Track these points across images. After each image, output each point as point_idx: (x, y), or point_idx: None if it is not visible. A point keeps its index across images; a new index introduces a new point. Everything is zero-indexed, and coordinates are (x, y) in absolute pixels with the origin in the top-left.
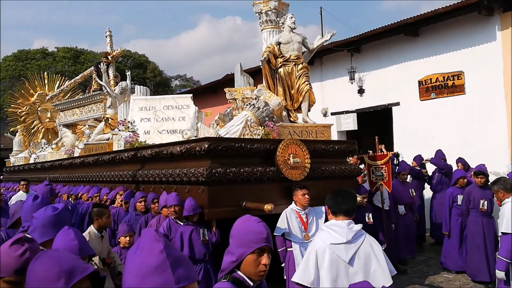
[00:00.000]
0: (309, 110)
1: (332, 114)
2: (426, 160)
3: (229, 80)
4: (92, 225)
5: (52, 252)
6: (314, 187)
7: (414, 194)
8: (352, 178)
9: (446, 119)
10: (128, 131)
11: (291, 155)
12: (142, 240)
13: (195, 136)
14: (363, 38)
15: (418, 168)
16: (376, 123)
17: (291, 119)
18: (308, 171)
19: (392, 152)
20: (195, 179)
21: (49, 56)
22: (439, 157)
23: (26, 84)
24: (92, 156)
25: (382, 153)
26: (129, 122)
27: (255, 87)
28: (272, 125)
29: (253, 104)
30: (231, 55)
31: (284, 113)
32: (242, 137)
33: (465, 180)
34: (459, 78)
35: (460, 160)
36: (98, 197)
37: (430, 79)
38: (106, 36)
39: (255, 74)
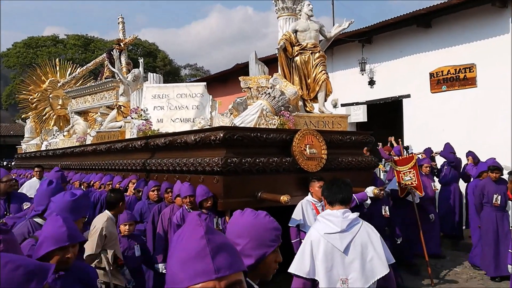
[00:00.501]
0: (325, 100)
1: (342, 105)
2: (436, 153)
3: (239, 70)
4: (107, 210)
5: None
6: (330, 178)
7: (437, 187)
8: (369, 169)
9: (457, 112)
10: (141, 119)
11: (307, 146)
12: (185, 225)
13: (209, 125)
14: (375, 29)
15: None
16: (386, 115)
17: (307, 109)
18: (324, 162)
19: (416, 153)
20: (210, 169)
21: (59, 43)
22: (448, 151)
23: (37, 70)
24: (105, 144)
25: (407, 155)
26: (142, 110)
27: (270, 76)
28: (288, 115)
29: (269, 93)
30: (242, 45)
31: (300, 103)
32: (257, 126)
33: (488, 174)
34: (471, 70)
35: (470, 154)
36: (110, 185)
37: (442, 71)
38: (118, 23)
39: (267, 64)
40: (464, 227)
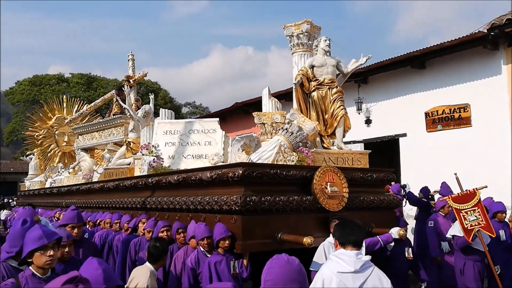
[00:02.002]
0: (343, 136)
1: None
2: (435, 191)
3: (237, 109)
4: (148, 263)
5: None
6: (352, 218)
7: None
8: (391, 209)
9: (453, 151)
10: (152, 155)
11: (328, 184)
12: None
13: (222, 162)
14: (371, 69)
15: (425, 200)
16: (383, 153)
17: (324, 145)
18: (346, 201)
19: (479, 188)
20: (227, 208)
21: (63, 82)
22: (446, 189)
23: (44, 107)
24: (113, 181)
25: (467, 191)
26: (153, 146)
27: (285, 112)
28: (306, 151)
29: (286, 129)
30: (242, 83)
31: (317, 139)
32: (275, 163)
33: (504, 215)
34: (465, 110)
35: None
36: (118, 224)
37: (437, 111)
38: (128, 60)
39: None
40: None
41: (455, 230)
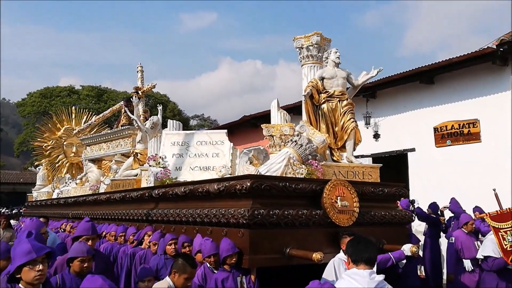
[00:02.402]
0: (354, 149)
1: None
2: (444, 207)
3: (245, 122)
4: (170, 277)
5: None
6: (363, 234)
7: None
8: (403, 225)
9: (462, 166)
10: (159, 166)
11: (338, 198)
12: None
13: (229, 174)
14: (379, 84)
15: (434, 216)
16: (391, 168)
17: (334, 158)
18: (356, 216)
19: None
20: (235, 221)
21: (74, 93)
22: (456, 205)
23: (53, 118)
24: (119, 193)
25: (507, 209)
26: (160, 157)
27: (294, 124)
28: (316, 164)
29: (295, 141)
30: (250, 96)
31: (327, 152)
32: (284, 175)
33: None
34: (475, 126)
35: (477, 209)
36: (123, 237)
37: (446, 126)
38: (137, 71)
39: (301, 110)
40: None
41: (488, 250)
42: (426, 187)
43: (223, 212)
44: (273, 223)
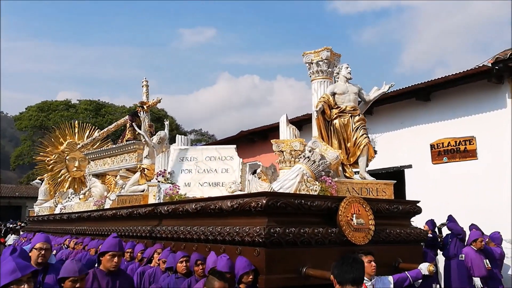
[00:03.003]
0: (367, 165)
1: None
2: (442, 224)
3: (243, 137)
4: None
5: None
6: (379, 252)
7: (489, 265)
8: (418, 243)
9: (459, 183)
10: (168, 182)
11: (354, 215)
12: None
13: (240, 190)
14: (376, 101)
15: (431, 234)
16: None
17: (346, 175)
18: (372, 233)
19: None
20: (250, 239)
21: (71, 108)
22: (453, 222)
23: (56, 132)
24: (126, 209)
25: None
26: (169, 173)
27: (304, 139)
28: (330, 181)
29: (308, 157)
30: (248, 111)
31: (339, 168)
32: (298, 192)
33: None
34: (471, 143)
35: (473, 226)
36: (131, 254)
37: (442, 143)
38: (142, 86)
39: (299, 126)
40: None
41: None
42: (423, 204)
43: (237, 230)
44: (289, 241)
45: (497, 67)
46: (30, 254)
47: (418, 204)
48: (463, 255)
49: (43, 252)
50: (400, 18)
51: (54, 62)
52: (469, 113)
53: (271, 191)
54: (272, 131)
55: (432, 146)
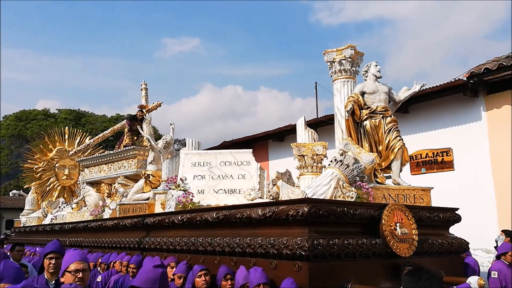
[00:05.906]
0: (401, 170)
1: None
2: None
3: (224, 147)
4: None
5: None
6: (424, 265)
7: None
8: (459, 253)
9: (437, 194)
10: (180, 189)
11: (398, 224)
12: None
13: (260, 197)
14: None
15: None
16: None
17: (378, 180)
18: (416, 244)
19: None
20: (289, 252)
21: (50, 117)
22: None
23: (45, 139)
24: (131, 218)
25: None
26: (180, 179)
27: (325, 143)
28: (366, 187)
29: (341, 161)
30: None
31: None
32: (337, 199)
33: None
34: (448, 154)
35: (507, 233)
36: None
37: (420, 155)
38: (141, 89)
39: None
40: None
41: None
42: None
43: (272, 241)
44: (333, 254)
45: (471, 81)
46: (62, 279)
47: (457, 212)
48: (496, 272)
49: (80, 275)
50: (382, 32)
51: (33, 71)
52: (446, 125)
53: (311, 197)
54: (255, 141)
55: (410, 157)
